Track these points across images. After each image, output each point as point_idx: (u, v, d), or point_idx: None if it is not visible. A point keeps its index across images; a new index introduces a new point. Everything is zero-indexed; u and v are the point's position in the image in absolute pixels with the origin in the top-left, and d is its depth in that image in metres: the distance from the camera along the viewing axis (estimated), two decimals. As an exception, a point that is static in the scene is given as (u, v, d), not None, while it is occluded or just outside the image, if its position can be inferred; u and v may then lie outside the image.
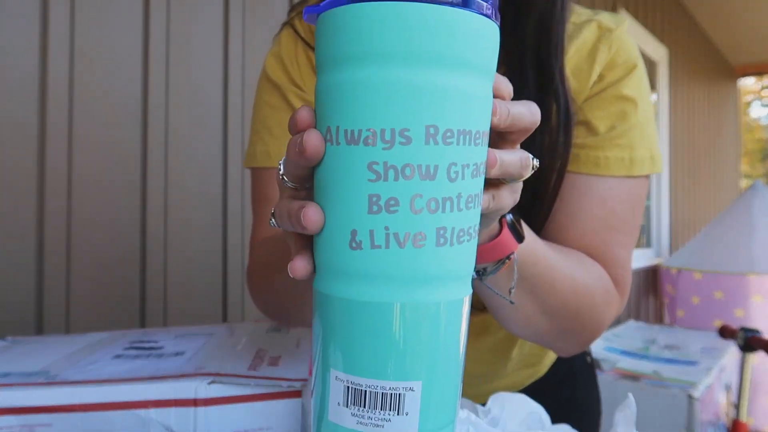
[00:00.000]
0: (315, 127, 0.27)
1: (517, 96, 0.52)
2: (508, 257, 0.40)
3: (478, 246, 0.38)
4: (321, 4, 0.26)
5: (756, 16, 4.54)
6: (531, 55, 0.51)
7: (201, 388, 0.43)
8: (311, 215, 0.26)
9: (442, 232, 0.25)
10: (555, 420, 0.65)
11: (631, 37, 0.55)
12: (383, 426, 0.26)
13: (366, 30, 0.24)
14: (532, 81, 0.51)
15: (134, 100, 1.12)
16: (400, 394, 0.26)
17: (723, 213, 3.39)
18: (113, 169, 1.09)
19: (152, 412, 0.42)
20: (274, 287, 0.50)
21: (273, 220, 0.31)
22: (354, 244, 0.25)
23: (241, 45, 1.32)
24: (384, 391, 0.26)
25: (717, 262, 3.05)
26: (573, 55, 0.54)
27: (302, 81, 0.58)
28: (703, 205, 5.01)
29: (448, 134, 0.25)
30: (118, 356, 0.54)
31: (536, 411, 0.47)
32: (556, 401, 0.69)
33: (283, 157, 0.29)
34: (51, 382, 0.44)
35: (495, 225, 0.38)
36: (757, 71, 6.41)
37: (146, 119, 1.13)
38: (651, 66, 3.88)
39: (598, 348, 2.31)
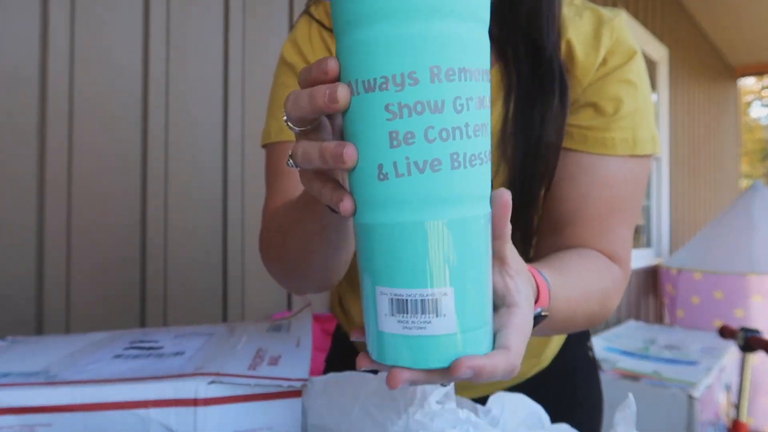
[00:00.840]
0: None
1: (510, 68, 0.56)
2: None
3: None
4: None
5: (756, 16, 4.54)
6: (524, 31, 0.55)
7: (201, 388, 0.43)
8: (351, 152, 0.30)
9: (455, 156, 0.29)
10: (557, 413, 0.66)
11: (627, 27, 0.59)
12: (425, 328, 0.30)
13: None
14: (525, 55, 0.56)
15: (134, 101, 1.12)
16: (437, 299, 0.30)
17: (723, 213, 3.39)
18: (113, 169, 1.09)
19: (152, 412, 0.42)
20: (286, 251, 0.52)
21: (291, 160, 0.34)
22: (381, 176, 0.30)
23: (241, 46, 1.32)
24: (423, 298, 0.30)
25: (717, 262, 3.04)
26: (576, 37, 0.58)
27: (315, 58, 0.62)
28: (703, 205, 5.01)
29: (450, 72, 0.29)
30: (118, 356, 0.54)
31: (536, 411, 0.47)
32: (559, 394, 0.71)
33: (289, 104, 0.33)
34: (51, 382, 0.44)
35: None
36: (757, 71, 6.41)
37: (146, 120, 1.13)
38: (651, 66, 3.88)
39: (598, 348, 2.32)
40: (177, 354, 0.54)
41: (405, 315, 0.30)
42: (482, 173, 0.31)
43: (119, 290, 1.09)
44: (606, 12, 0.59)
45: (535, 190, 0.57)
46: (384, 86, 0.29)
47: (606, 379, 1.92)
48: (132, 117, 1.12)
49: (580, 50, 0.57)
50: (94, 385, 0.43)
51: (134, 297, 1.12)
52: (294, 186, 0.59)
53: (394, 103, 0.29)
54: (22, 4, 0.96)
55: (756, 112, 12.42)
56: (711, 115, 5.36)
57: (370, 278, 0.31)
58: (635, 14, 3.44)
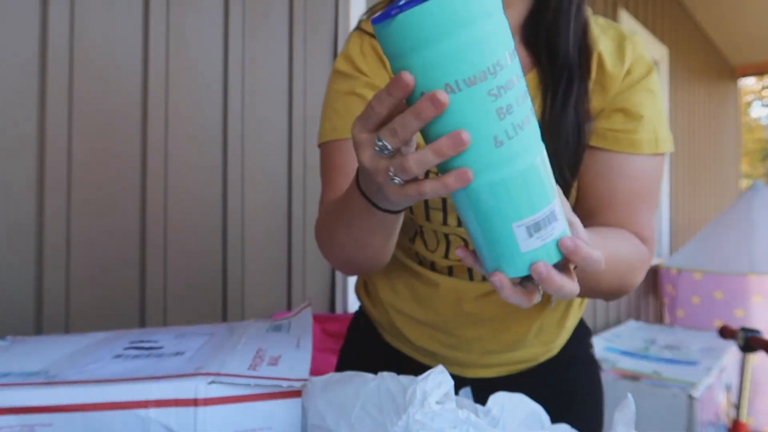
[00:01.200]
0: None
1: (545, 71, 0.67)
2: None
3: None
4: (401, 4, 0.37)
5: (756, 16, 4.54)
6: (545, 40, 0.66)
7: (201, 388, 0.43)
8: (467, 136, 0.37)
9: (531, 110, 0.40)
10: (562, 404, 0.73)
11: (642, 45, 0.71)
12: (552, 233, 0.41)
13: (452, 10, 0.35)
14: (545, 55, 0.66)
15: (134, 101, 1.12)
16: (553, 210, 0.41)
17: (723, 213, 3.39)
18: (113, 168, 1.09)
19: (152, 412, 0.42)
20: (341, 245, 0.60)
21: (397, 178, 0.40)
22: (498, 144, 0.38)
23: (241, 46, 1.32)
24: (547, 215, 0.41)
25: (717, 262, 3.05)
26: (605, 51, 0.68)
27: (368, 68, 0.70)
28: (703, 205, 5.01)
29: (512, 54, 0.38)
30: (118, 356, 0.54)
31: (536, 411, 0.47)
32: (565, 383, 0.78)
33: (380, 129, 0.39)
34: (51, 382, 0.44)
35: None
36: (758, 71, 6.40)
37: (146, 119, 1.14)
38: (651, 66, 3.88)
39: (598, 348, 2.32)
40: (177, 354, 0.54)
41: (540, 231, 0.41)
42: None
43: (119, 290, 1.10)
44: (624, 29, 0.70)
45: (568, 176, 0.66)
46: (483, 78, 0.36)
47: (606, 379, 1.92)
48: (132, 117, 1.12)
49: (608, 62, 0.67)
50: (94, 385, 0.43)
51: (134, 297, 1.12)
52: (348, 180, 0.66)
53: (493, 87, 0.37)
54: (22, 4, 0.96)
55: (756, 112, 12.43)
56: (711, 115, 5.36)
57: (500, 222, 0.41)
58: (635, 14, 3.44)
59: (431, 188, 0.39)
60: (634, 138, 0.66)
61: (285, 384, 0.44)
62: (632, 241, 0.65)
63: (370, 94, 0.67)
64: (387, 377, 0.41)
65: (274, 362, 0.50)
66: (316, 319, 1.34)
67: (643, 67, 0.68)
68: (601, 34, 0.69)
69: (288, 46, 1.45)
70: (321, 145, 0.71)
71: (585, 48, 0.66)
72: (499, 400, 0.46)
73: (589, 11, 0.68)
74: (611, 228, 0.65)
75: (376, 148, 0.40)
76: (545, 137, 0.64)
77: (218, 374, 0.45)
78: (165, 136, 1.17)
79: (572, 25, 0.65)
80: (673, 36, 4.09)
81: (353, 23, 1.59)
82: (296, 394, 0.45)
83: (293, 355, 0.53)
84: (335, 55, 1.57)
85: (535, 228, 0.41)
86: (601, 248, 0.53)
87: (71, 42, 1.02)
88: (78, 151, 1.03)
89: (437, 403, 0.38)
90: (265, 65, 1.39)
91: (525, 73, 0.68)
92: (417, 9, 0.35)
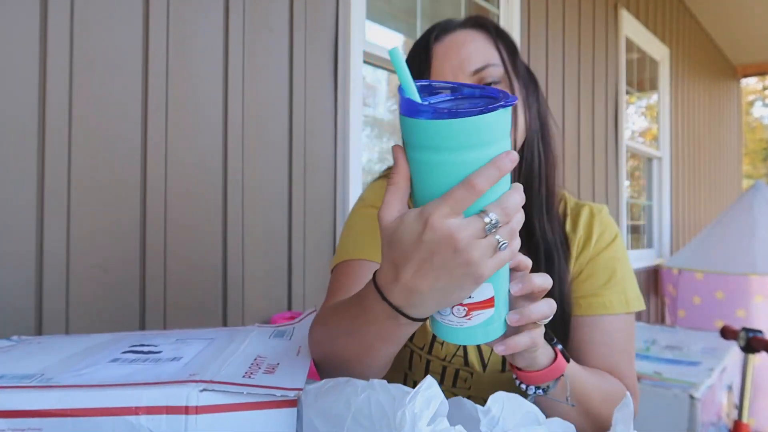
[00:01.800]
0: None
1: (529, 246, 0.74)
2: (562, 374, 0.56)
3: (539, 370, 0.55)
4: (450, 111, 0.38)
5: (758, 16, 4.52)
6: (538, 221, 0.73)
7: (192, 396, 0.42)
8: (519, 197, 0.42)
9: None
10: None
11: (610, 216, 0.80)
12: None
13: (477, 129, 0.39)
14: (527, 233, 0.72)
15: (134, 101, 1.12)
16: None
17: (724, 213, 3.38)
18: (113, 170, 1.08)
19: (143, 419, 0.41)
20: (345, 353, 0.56)
21: (506, 243, 0.41)
22: None
23: (241, 47, 1.32)
24: None
25: (718, 262, 3.03)
26: (579, 228, 0.76)
27: None
28: (704, 205, 5.00)
29: None
30: (114, 360, 0.53)
31: (532, 411, 0.47)
32: None
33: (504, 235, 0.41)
34: (42, 386, 0.44)
35: (551, 351, 0.55)
36: (759, 71, 6.39)
37: (146, 120, 1.13)
38: (653, 65, 3.87)
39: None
40: (174, 359, 0.53)
41: None
42: None
43: (119, 291, 1.09)
44: (594, 206, 0.79)
45: (562, 333, 0.72)
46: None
47: (607, 380, 1.91)
48: (132, 118, 1.11)
49: (583, 239, 0.75)
50: (85, 390, 0.43)
51: (134, 298, 1.12)
52: (355, 286, 0.65)
53: None
54: (22, 4, 0.96)
55: (758, 111, 12.40)
56: (713, 115, 5.35)
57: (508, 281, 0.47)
58: (636, 14, 3.43)
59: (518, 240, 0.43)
60: (605, 300, 0.72)
61: (279, 393, 0.43)
62: (610, 379, 0.69)
63: None
64: (377, 386, 0.41)
65: (270, 370, 0.49)
66: (316, 320, 1.34)
67: (608, 236, 0.76)
68: (575, 212, 0.78)
69: (288, 48, 1.44)
70: (342, 263, 0.73)
71: (563, 227, 0.75)
72: (498, 399, 0.46)
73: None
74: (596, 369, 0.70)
75: (487, 226, 0.40)
76: None
77: (211, 381, 0.44)
78: (165, 137, 1.16)
79: (552, 209, 0.73)
80: (674, 36, 4.08)
81: (354, 26, 1.58)
82: (291, 403, 0.44)
83: (292, 363, 0.52)
84: (336, 58, 1.57)
85: None
86: (585, 373, 0.60)
87: (71, 42, 1.02)
88: (78, 152, 1.03)
89: (428, 425, 0.37)
90: (265, 67, 1.38)
91: None
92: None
